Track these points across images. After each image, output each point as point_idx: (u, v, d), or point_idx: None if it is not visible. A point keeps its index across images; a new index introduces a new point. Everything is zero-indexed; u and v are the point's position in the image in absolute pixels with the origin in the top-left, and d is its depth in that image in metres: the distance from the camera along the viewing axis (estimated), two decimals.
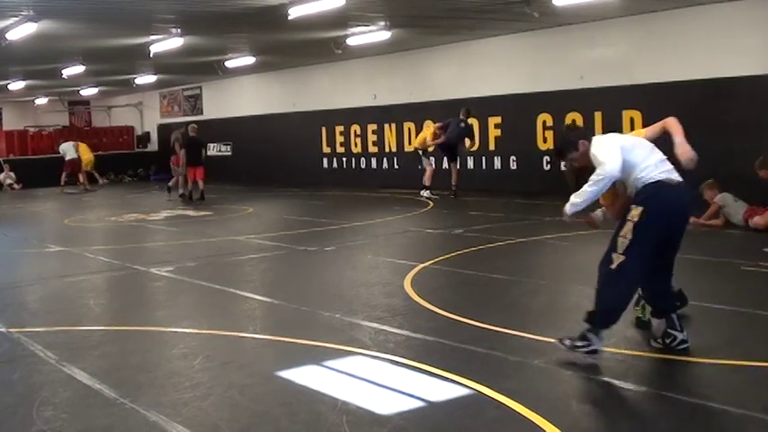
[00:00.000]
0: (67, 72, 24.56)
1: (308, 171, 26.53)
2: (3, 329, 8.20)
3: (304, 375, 6.13)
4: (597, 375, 5.84)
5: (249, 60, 23.82)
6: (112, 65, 23.77)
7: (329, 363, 6.39)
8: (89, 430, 5.39)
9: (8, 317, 8.75)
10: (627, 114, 17.94)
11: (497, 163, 21.03)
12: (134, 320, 8.32)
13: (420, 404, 5.43)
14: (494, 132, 21.08)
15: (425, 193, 20.17)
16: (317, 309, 8.31)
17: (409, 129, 23.27)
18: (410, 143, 23.02)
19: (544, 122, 19.74)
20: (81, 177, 28.78)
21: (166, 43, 18.67)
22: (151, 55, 20.18)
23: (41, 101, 36.74)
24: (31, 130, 35.72)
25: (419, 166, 20.97)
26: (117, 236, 16.48)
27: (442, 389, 5.70)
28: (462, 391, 5.62)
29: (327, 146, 26.30)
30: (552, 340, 6.54)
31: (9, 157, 33.31)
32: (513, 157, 20.67)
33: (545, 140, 19.74)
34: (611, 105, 18.22)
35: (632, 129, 17.75)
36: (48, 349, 7.14)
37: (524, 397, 5.37)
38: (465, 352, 6.60)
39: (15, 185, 31.66)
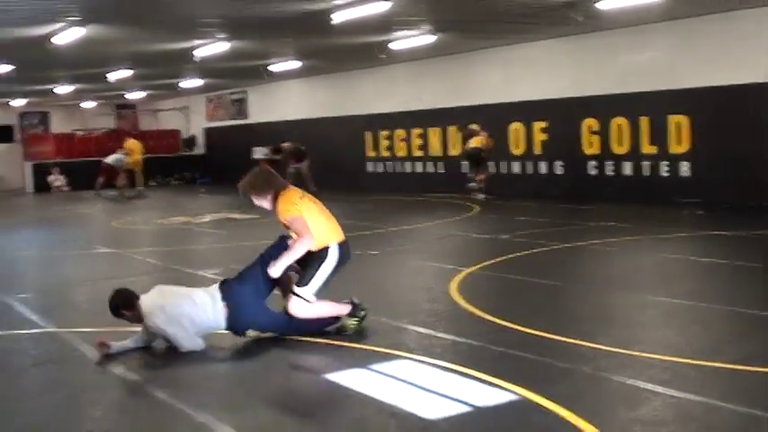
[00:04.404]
0: (115, 76, 24.79)
1: (352, 175, 26.56)
2: (52, 329, 8.31)
3: (351, 378, 6.14)
4: (645, 382, 5.78)
5: (294, 65, 23.91)
6: (159, 69, 23.96)
7: (376, 366, 6.39)
8: (137, 430, 5.44)
9: (57, 317, 8.87)
10: (673, 119, 17.80)
11: (543, 168, 20.93)
12: None
13: (466, 409, 5.41)
14: (539, 137, 20.99)
15: (482, 195, 20.24)
16: None
17: (454, 133, 23.21)
18: (460, 145, 23.02)
19: (589, 127, 19.62)
20: (120, 179, 28.91)
21: (212, 47, 18.78)
22: (197, 59, 20.32)
23: (89, 104, 37.12)
24: (79, 133, 36.07)
25: (467, 172, 21.07)
26: (164, 238, 16.62)
27: (489, 394, 5.67)
28: (509, 397, 5.59)
29: (372, 150, 26.32)
30: (600, 347, 6.49)
31: (57, 159, 33.69)
32: (558, 162, 20.57)
33: (590, 145, 19.62)
34: (656, 110, 18.10)
35: (678, 133, 17.68)
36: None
37: (572, 403, 5.33)
38: (512, 357, 6.57)
39: (64, 187, 32.02)
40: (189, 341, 6.96)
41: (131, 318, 7.08)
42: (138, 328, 7.21)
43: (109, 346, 7.01)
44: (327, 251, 7.29)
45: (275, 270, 7.06)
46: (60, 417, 5.78)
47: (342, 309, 7.45)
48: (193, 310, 7.03)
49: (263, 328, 7.28)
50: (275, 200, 7.32)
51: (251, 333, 7.28)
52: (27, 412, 5.91)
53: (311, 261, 7.25)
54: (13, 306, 9.61)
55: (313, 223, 7.26)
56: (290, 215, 7.19)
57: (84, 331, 7.70)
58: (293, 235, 7.26)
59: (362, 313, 7.47)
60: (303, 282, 7.21)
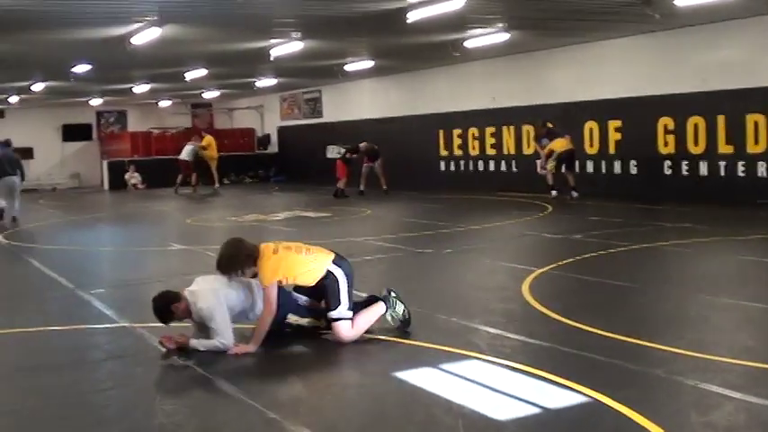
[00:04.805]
0: (190, 75, 25.10)
1: (425, 174, 26.54)
2: (126, 324, 8.44)
3: (420, 377, 6.13)
4: (718, 387, 5.69)
5: (368, 64, 23.97)
6: (234, 68, 24.19)
7: (445, 366, 6.37)
8: (208, 425, 5.50)
9: (132, 312, 9.00)
10: (750, 118, 17.48)
11: (617, 167, 20.70)
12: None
13: (536, 411, 5.37)
14: (614, 136, 20.76)
15: (575, 194, 20.18)
16: (434, 311, 8.31)
17: (528, 131, 23.09)
18: (530, 146, 22.93)
19: (665, 126, 19.36)
20: (193, 179, 29.33)
21: (287, 47, 18.91)
22: (272, 58, 20.47)
23: (165, 103, 37.65)
24: (155, 131, 36.62)
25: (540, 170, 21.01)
26: (238, 235, 16.74)
27: (559, 396, 5.62)
28: (580, 399, 5.54)
29: (445, 149, 26.28)
30: (673, 349, 6.40)
31: (134, 157, 34.24)
32: (633, 162, 20.32)
33: (666, 144, 19.36)
34: (734, 109, 17.78)
35: (756, 132, 17.35)
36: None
37: (644, 407, 5.25)
38: (583, 359, 6.51)
39: (140, 185, 32.52)
40: (228, 332, 7.04)
41: (182, 312, 7.18)
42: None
43: (182, 342, 7.11)
44: (331, 273, 7.34)
45: (252, 345, 7.12)
46: (133, 410, 5.87)
47: (378, 310, 7.49)
48: (233, 295, 7.24)
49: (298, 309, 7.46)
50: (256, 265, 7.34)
51: (292, 318, 7.38)
52: (101, 405, 6.02)
53: (328, 289, 7.30)
54: (89, 301, 9.80)
55: (300, 266, 7.30)
56: (263, 284, 7.25)
57: (157, 327, 7.79)
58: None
59: (396, 302, 7.51)
60: (333, 305, 7.25)
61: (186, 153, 29.42)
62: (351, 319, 7.26)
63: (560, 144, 20.39)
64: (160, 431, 5.36)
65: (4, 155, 20.33)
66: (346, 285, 7.32)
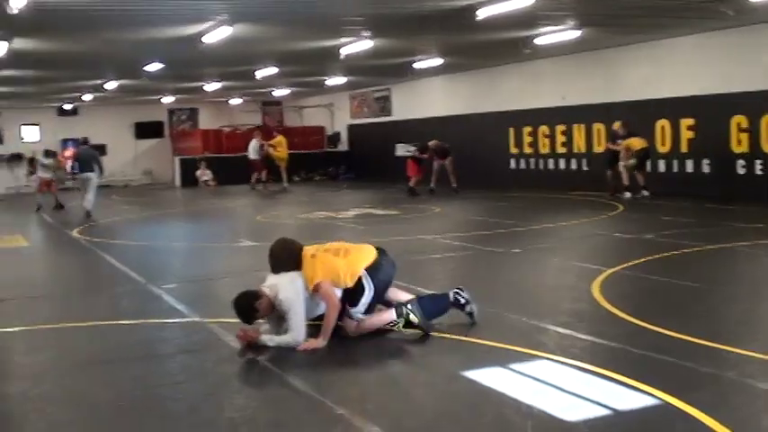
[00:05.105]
0: (261, 74, 25.32)
1: (494, 172, 26.44)
2: (197, 319, 8.55)
3: (489, 377, 6.12)
4: None
5: (437, 62, 23.95)
6: (304, 66, 24.34)
7: (514, 365, 6.35)
8: (278, 420, 5.55)
9: (203, 307, 9.12)
10: None
11: (689, 166, 20.41)
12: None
13: (606, 412, 5.32)
14: (686, 134, 20.47)
15: (647, 192, 20.00)
16: (503, 310, 8.28)
17: (598, 130, 22.88)
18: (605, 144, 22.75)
19: (738, 124, 19.04)
20: (263, 175, 29.64)
21: (356, 45, 18.97)
22: (341, 57, 20.56)
23: (236, 101, 38.01)
24: (226, 129, 36.98)
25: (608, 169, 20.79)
26: (307, 232, 16.83)
27: (630, 398, 5.56)
28: (650, 401, 5.47)
29: (515, 147, 26.16)
30: (746, 352, 6.30)
31: (205, 154, 34.63)
32: (705, 160, 20.03)
33: (739, 143, 19.06)
34: None
35: None
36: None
37: (716, 411, 5.17)
38: (653, 361, 6.43)
39: (211, 182, 32.88)
40: (301, 327, 7.12)
41: (265, 309, 7.24)
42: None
43: (253, 337, 7.18)
44: (361, 282, 7.46)
45: (321, 340, 7.18)
46: (203, 404, 5.95)
47: (386, 318, 7.53)
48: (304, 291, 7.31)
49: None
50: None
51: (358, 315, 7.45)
52: (171, 398, 6.11)
53: (355, 294, 7.43)
54: (160, 296, 9.95)
55: (337, 270, 7.43)
56: (311, 286, 7.35)
57: (227, 322, 7.89)
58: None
59: (400, 319, 7.48)
60: (351, 305, 7.42)
61: (252, 151, 29.83)
62: (360, 319, 7.42)
63: (638, 142, 20.21)
64: (230, 425, 5.43)
65: (82, 152, 21.40)
66: (371, 295, 7.46)
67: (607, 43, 21.34)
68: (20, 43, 16.34)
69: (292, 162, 30.85)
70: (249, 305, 7.23)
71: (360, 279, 7.43)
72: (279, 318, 7.28)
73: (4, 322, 8.95)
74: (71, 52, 18.44)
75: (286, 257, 7.52)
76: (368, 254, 7.66)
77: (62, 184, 27.32)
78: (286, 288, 7.18)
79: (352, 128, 36.07)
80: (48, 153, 24.83)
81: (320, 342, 7.13)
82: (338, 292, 7.40)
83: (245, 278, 9.59)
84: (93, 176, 21.32)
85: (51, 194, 24.03)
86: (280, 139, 30.44)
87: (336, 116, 37.00)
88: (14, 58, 18.19)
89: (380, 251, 7.76)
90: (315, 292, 7.32)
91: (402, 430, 5.29)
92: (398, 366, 6.85)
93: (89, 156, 21.95)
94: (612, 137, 21.31)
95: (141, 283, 10.91)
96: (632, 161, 20.26)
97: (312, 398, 5.86)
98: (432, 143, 24.66)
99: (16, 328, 8.81)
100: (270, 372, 6.60)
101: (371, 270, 7.51)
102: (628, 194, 20.23)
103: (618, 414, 5.31)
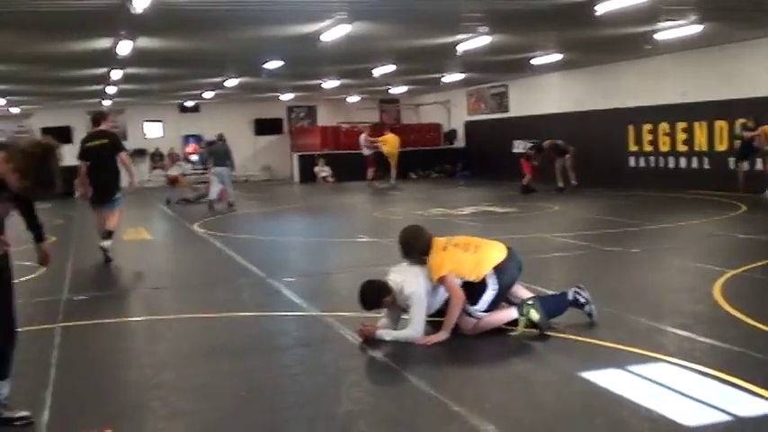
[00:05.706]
0: (378, 71, 25.45)
1: (613, 170, 26.03)
2: (316, 313, 8.68)
3: (606, 378, 6.07)
4: None
5: (555, 58, 23.72)
6: (421, 64, 24.38)
7: (632, 367, 6.27)
8: (395, 415, 5.62)
9: (321, 301, 9.27)
10: None
11: None
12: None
13: (727, 418, 5.22)
14: None
15: None
16: (622, 311, 8.19)
17: (721, 127, 22.35)
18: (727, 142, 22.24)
19: None
20: (371, 173, 29.88)
21: (474, 42, 18.91)
22: (459, 53, 20.53)
23: (353, 99, 38.30)
24: (344, 126, 37.29)
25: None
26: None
27: (751, 404, 5.45)
28: None
29: (634, 144, 25.73)
30: None
31: (323, 151, 35.01)
32: None
33: None
34: None
35: None
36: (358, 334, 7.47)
37: None
38: None
39: (329, 178, 33.22)
40: (421, 323, 7.20)
41: (392, 300, 7.31)
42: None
43: (372, 332, 7.27)
44: (485, 282, 7.43)
45: (443, 333, 7.21)
46: (321, 396, 6.05)
47: (507, 315, 7.50)
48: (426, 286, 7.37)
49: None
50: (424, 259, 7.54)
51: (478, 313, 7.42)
52: (289, 390, 6.24)
53: (477, 291, 7.42)
54: (279, 289, 10.13)
55: (465, 265, 7.43)
56: (436, 278, 7.36)
57: (345, 315, 8.00)
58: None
59: (522, 318, 7.40)
60: (472, 302, 7.40)
61: (365, 147, 30.23)
62: (479, 317, 7.40)
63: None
64: (347, 418, 5.51)
65: (217, 148, 23.30)
66: (494, 294, 7.44)
67: (730, 38, 20.79)
68: (144, 42, 16.75)
69: (409, 159, 30.96)
70: (377, 296, 7.35)
71: (484, 277, 7.44)
72: (398, 312, 7.35)
73: (130, 313, 9.25)
74: (194, 50, 18.84)
75: (418, 244, 7.61)
76: (498, 252, 7.64)
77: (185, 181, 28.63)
78: (412, 283, 7.27)
79: (469, 124, 35.98)
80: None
81: (442, 336, 7.19)
82: (458, 281, 7.41)
83: (363, 273, 9.67)
84: (224, 171, 22.58)
85: (180, 188, 25.37)
86: (386, 136, 30.70)
87: (453, 113, 36.95)
88: (139, 57, 18.68)
89: (510, 250, 7.73)
90: (439, 283, 7.36)
91: (518, 430, 5.29)
92: (516, 365, 6.84)
93: (223, 151, 23.11)
94: (744, 129, 20.66)
95: (261, 276, 11.12)
96: None
97: (429, 394, 5.91)
98: (546, 143, 24.47)
99: (141, 317, 9.10)
100: (388, 367, 6.67)
101: (498, 270, 7.50)
102: None
103: (738, 420, 5.21)
